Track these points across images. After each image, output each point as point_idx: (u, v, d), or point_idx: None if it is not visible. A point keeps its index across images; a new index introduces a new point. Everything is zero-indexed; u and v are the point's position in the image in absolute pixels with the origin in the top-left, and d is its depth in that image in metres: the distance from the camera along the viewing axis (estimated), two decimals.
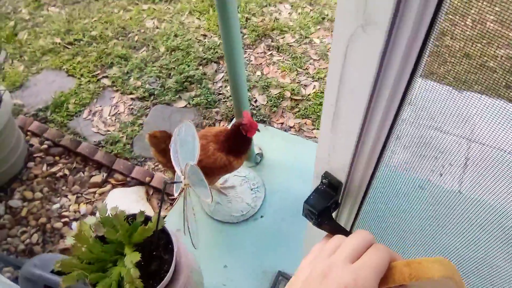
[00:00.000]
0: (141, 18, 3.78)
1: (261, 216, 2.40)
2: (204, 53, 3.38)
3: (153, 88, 3.15)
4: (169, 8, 3.84)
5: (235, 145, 1.96)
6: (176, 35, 3.54)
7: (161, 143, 1.80)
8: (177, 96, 3.10)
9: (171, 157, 1.23)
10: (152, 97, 3.13)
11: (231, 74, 1.88)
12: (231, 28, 1.61)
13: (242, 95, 2.03)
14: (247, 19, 3.63)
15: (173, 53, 3.39)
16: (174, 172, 2.09)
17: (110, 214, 1.28)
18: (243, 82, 1.95)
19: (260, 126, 2.90)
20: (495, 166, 2.61)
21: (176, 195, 1.17)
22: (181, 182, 1.15)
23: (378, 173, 0.94)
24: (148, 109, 3.05)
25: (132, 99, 3.15)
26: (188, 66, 3.26)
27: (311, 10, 3.68)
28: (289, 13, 3.68)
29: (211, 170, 1.95)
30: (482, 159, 2.73)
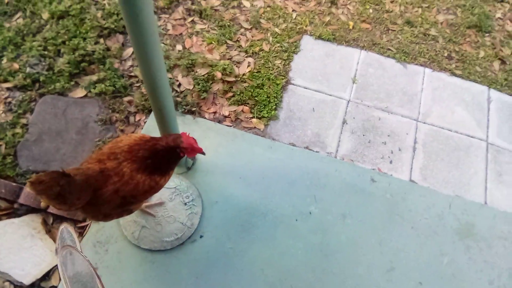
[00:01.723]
0: None
1: (201, 236, 1.98)
2: (104, 20, 2.61)
3: (37, 73, 2.35)
4: None
5: (164, 164, 1.49)
6: None
7: (53, 186, 1.20)
8: (73, 82, 2.37)
9: None
10: (37, 85, 2.34)
11: (139, 51, 1.29)
12: None
13: (159, 81, 1.44)
14: None
15: (61, 21, 2.56)
16: (88, 215, 1.52)
17: None
18: (159, 61, 1.36)
19: (188, 118, 2.38)
20: (444, 149, 2.36)
21: None
22: None
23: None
24: (33, 102, 2.29)
25: (8, 88, 2.33)
26: (84, 39, 2.48)
27: None
28: None
29: (133, 197, 1.46)
30: (431, 141, 2.52)
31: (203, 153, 1.50)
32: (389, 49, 2.79)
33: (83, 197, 1.31)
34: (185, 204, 2.03)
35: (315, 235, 1.97)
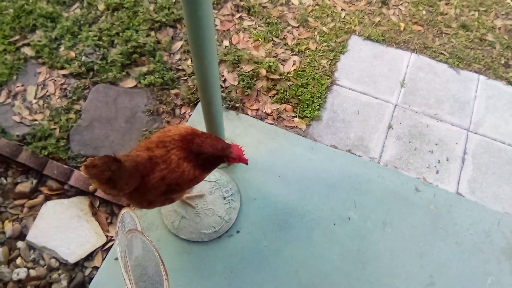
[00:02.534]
0: None
1: (237, 232, 2.00)
2: (156, 13, 2.68)
3: (92, 62, 2.46)
4: None
5: (208, 164, 1.55)
6: None
7: (105, 171, 1.26)
8: (124, 72, 2.45)
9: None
10: (91, 74, 2.45)
11: (195, 45, 1.32)
12: None
13: (211, 76, 1.47)
14: None
15: (115, 13, 2.65)
16: (134, 201, 1.59)
17: None
18: (213, 56, 1.39)
19: (232, 113, 2.40)
20: (496, 162, 2.21)
21: None
22: None
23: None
24: (87, 90, 2.40)
25: (64, 75, 2.45)
26: (136, 31, 2.56)
27: None
28: None
29: (177, 185, 1.51)
30: (481, 152, 2.39)
31: (247, 163, 1.55)
32: (441, 53, 2.67)
33: (132, 183, 1.37)
34: (224, 198, 2.06)
35: (353, 241, 1.94)
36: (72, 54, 2.49)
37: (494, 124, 2.40)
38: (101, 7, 2.68)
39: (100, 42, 2.52)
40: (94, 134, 2.22)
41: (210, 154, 1.46)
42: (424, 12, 2.86)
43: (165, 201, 1.65)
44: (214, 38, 1.30)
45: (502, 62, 2.67)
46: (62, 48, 2.53)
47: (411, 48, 2.69)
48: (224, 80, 2.49)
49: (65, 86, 2.41)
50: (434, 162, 2.25)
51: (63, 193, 2.07)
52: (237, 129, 2.28)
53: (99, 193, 2.02)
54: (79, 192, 2.06)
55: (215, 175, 2.11)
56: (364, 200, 2.06)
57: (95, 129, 2.24)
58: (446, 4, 2.91)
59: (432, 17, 2.83)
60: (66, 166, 2.09)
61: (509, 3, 2.95)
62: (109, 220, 1.99)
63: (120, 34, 2.54)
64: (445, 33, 2.77)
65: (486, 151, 2.30)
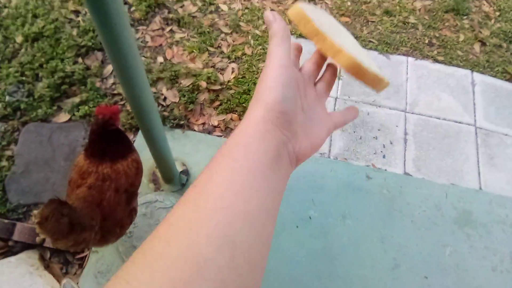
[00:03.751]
0: None
1: None
2: (80, 38, 2.53)
3: (17, 100, 2.28)
4: None
5: (115, 145, 1.41)
6: (35, 16, 2.57)
7: (60, 218, 1.10)
8: (55, 107, 2.30)
9: None
10: (18, 114, 2.27)
11: (121, 74, 1.23)
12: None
13: (144, 101, 1.38)
14: None
15: (35, 43, 2.47)
16: (107, 235, 1.45)
17: None
18: (143, 82, 1.31)
19: (177, 132, 2.34)
20: (434, 137, 2.39)
21: None
22: None
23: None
24: (17, 132, 2.22)
25: None
26: (62, 60, 2.41)
27: None
28: None
29: (132, 186, 1.44)
30: (420, 131, 2.56)
31: (119, 111, 1.41)
32: (370, 41, 2.79)
33: (95, 215, 1.28)
34: None
35: (317, 240, 1.98)
36: None
37: (427, 102, 2.56)
38: (19, 39, 2.49)
39: (24, 78, 2.33)
40: (33, 179, 2.06)
41: (95, 131, 1.36)
42: (349, 3, 2.96)
43: (131, 213, 1.55)
44: (139, 58, 1.21)
45: (426, 41, 2.84)
46: None
47: None
48: (164, 99, 2.41)
49: None
50: (379, 147, 2.36)
51: (8, 250, 1.89)
52: (185, 148, 2.23)
53: (48, 244, 1.88)
54: (26, 246, 1.90)
55: (170, 199, 2.05)
56: (322, 197, 2.11)
57: (32, 173, 2.08)
58: None
59: (357, 7, 2.94)
60: (6, 221, 1.92)
61: None
62: (64, 271, 1.86)
63: (44, 65, 2.37)
64: (371, 21, 2.89)
65: (424, 128, 2.44)
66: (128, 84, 1.29)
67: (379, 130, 2.42)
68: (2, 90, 2.30)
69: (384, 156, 2.33)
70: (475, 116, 2.52)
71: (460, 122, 2.48)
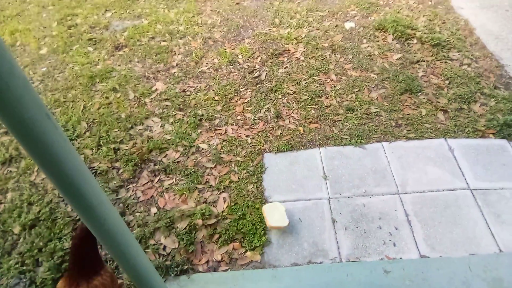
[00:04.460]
0: None
1: None
2: (74, 212, 2.64)
3: None
4: (10, 171, 3.02)
5: (87, 256, 1.63)
6: (30, 203, 2.73)
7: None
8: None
9: None
10: None
11: (110, 249, 1.26)
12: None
13: (144, 275, 1.40)
14: (115, 150, 3.06)
15: (33, 230, 2.56)
16: None
17: None
18: (141, 258, 1.33)
19: (183, 279, 2.28)
20: (435, 211, 2.26)
21: None
22: None
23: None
24: None
25: None
26: (60, 239, 2.47)
27: (183, 115, 3.32)
28: (161, 126, 3.25)
29: None
30: (420, 208, 2.49)
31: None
32: (343, 138, 2.97)
33: None
34: None
35: None
36: None
37: (416, 179, 2.61)
38: (17, 229, 2.58)
39: (24, 268, 2.36)
40: None
41: (74, 248, 1.59)
42: (313, 111, 3.24)
43: None
44: (134, 241, 1.28)
45: (393, 124, 3.04)
46: None
47: (317, 144, 2.95)
48: (164, 248, 2.42)
49: None
50: (387, 236, 2.31)
51: None
52: None
53: None
54: None
55: None
56: None
57: None
58: (327, 98, 3.35)
59: (321, 112, 3.21)
60: None
61: (374, 77, 3.49)
62: None
63: (43, 249, 2.42)
64: (337, 121, 3.13)
65: (422, 205, 2.44)
66: (125, 264, 1.33)
67: (379, 218, 2.41)
68: (4, 286, 2.29)
69: (394, 244, 2.26)
70: (465, 179, 2.55)
71: (454, 189, 2.49)
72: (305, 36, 4.04)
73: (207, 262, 2.34)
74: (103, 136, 3.16)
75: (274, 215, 2.41)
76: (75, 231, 1.61)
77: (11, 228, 2.60)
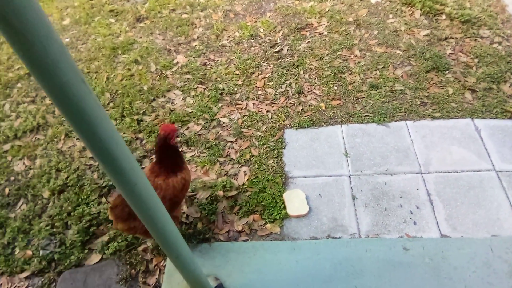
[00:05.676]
0: (5, 162, 2.98)
1: None
2: (101, 179, 2.74)
3: (51, 252, 2.38)
4: (38, 139, 3.12)
5: (171, 161, 1.95)
6: (58, 170, 2.83)
7: (125, 206, 1.77)
8: (86, 250, 2.38)
9: None
10: (53, 265, 2.35)
11: (144, 218, 1.31)
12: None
13: (169, 236, 1.45)
14: (138, 121, 3.11)
15: (61, 195, 2.67)
16: (146, 235, 1.93)
17: None
18: (164, 219, 1.38)
19: (204, 246, 2.36)
20: (459, 191, 2.24)
21: None
22: None
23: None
24: (53, 284, 2.27)
25: (27, 277, 2.32)
26: (87, 205, 2.57)
27: (204, 89, 3.33)
28: (182, 99, 3.28)
29: (176, 197, 1.94)
30: (442, 188, 2.46)
31: (175, 129, 1.90)
32: (366, 116, 2.93)
33: None
34: None
35: None
36: (29, 252, 2.40)
37: (439, 158, 2.58)
38: (46, 194, 2.69)
39: (54, 230, 2.47)
40: None
41: (162, 144, 1.88)
42: (335, 88, 3.19)
43: (173, 220, 1.59)
44: (160, 205, 1.32)
45: (418, 103, 2.98)
46: (17, 251, 2.43)
47: (339, 121, 2.93)
48: (187, 217, 2.49)
49: None
50: (407, 215, 2.31)
51: None
52: (215, 261, 2.23)
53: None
54: None
55: None
56: (364, 281, 2.01)
57: None
58: (350, 74, 3.29)
59: (344, 89, 3.17)
60: None
61: (399, 54, 3.40)
62: None
63: (72, 213, 2.53)
64: (360, 98, 3.08)
65: (445, 185, 2.42)
66: (152, 226, 1.38)
67: (401, 197, 2.40)
68: (36, 246, 2.42)
69: (415, 223, 2.27)
70: (491, 161, 2.50)
71: (479, 171, 2.46)
72: (328, 10, 3.94)
73: (228, 232, 2.40)
74: (126, 108, 3.20)
75: (294, 202, 2.44)
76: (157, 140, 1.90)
77: (41, 192, 2.71)
